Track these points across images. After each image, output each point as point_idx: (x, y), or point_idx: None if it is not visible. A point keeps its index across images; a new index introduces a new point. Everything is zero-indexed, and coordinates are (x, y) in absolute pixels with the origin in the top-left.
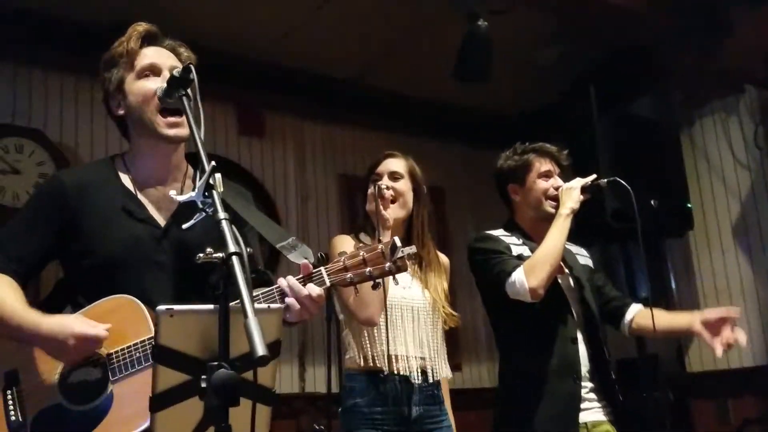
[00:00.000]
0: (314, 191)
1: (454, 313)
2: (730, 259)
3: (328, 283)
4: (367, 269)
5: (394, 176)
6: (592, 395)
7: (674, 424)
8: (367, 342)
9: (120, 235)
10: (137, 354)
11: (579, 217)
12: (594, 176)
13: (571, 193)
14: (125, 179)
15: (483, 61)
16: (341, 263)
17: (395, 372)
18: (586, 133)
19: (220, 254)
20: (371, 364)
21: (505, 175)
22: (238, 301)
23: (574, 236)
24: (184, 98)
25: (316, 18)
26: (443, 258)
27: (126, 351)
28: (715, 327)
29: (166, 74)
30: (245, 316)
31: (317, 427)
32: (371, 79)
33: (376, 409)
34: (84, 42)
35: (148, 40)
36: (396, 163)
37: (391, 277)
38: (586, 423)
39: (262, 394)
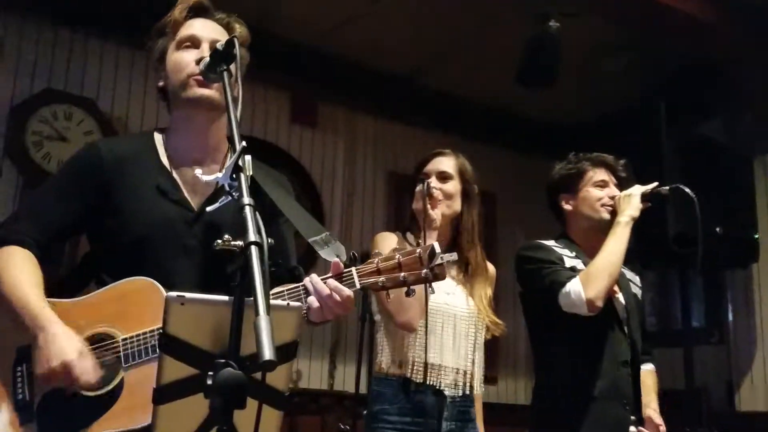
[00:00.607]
0: (362, 186)
1: (498, 321)
2: None
3: (358, 286)
4: (402, 274)
5: (443, 176)
6: (633, 428)
7: None
8: (403, 347)
9: (151, 215)
10: (152, 341)
11: (638, 237)
12: (656, 183)
13: (631, 200)
14: (163, 156)
15: (550, 65)
16: (374, 265)
17: (429, 382)
18: (651, 150)
19: (239, 242)
20: (404, 371)
21: (556, 185)
22: None
23: (631, 257)
24: (225, 74)
25: (374, 10)
26: (490, 266)
27: (141, 337)
28: None
29: (205, 47)
30: (256, 313)
31: (343, 427)
32: (427, 77)
33: (405, 419)
34: (142, 14)
35: (195, 11)
36: (446, 162)
37: (428, 286)
38: None
39: (271, 396)
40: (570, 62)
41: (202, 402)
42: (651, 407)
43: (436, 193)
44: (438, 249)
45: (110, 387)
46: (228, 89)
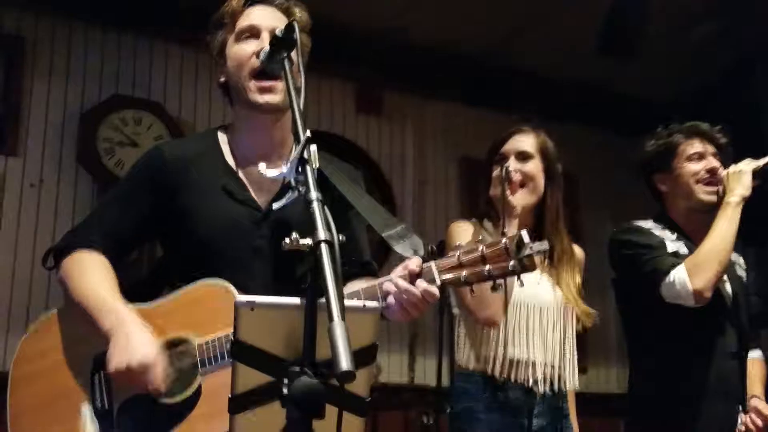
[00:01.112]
0: (433, 175)
1: (590, 310)
2: None
3: (438, 282)
4: (486, 267)
5: (523, 156)
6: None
7: None
8: (486, 342)
9: (218, 217)
10: (227, 346)
11: (748, 213)
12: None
13: (741, 177)
14: (227, 155)
15: (634, 30)
16: (455, 259)
17: (515, 379)
18: (751, 119)
19: (309, 241)
20: (487, 368)
21: (649, 163)
22: None
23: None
24: (286, 61)
25: None
26: (578, 250)
27: (216, 342)
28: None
29: (266, 36)
30: (330, 318)
31: (425, 421)
32: (498, 56)
33: (493, 416)
34: (204, 13)
35: (253, 0)
36: (525, 141)
37: (515, 278)
38: None
39: (351, 403)
40: (659, 32)
41: (280, 410)
42: (756, 396)
43: (516, 177)
44: (527, 238)
45: (188, 394)
46: (290, 78)
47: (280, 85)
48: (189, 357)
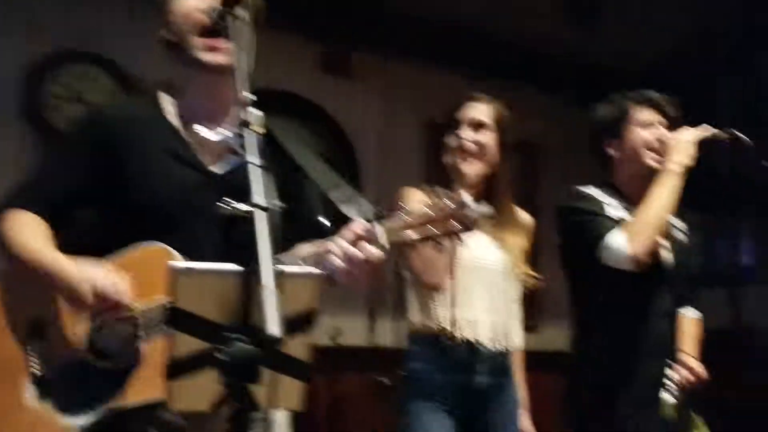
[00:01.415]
0: (398, 139)
1: (533, 273)
2: None
3: (385, 244)
4: (431, 228)
5: (476, 125)
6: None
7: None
8: (432, 304)
9: (163, 179)
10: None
11: (691, 178)
12: (712, 129)
13: (684, 146)
14: (171, 116)
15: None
16: (401, 221)
17: (461, 338)
18: (704, 86)
19: (244, 205)
20: (435, 328)
21: (599, 127)
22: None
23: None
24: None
25: None
26: (525, 217)
27: (158, 307)
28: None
29: None
30: (260, 285)
31: (384, 381)
32: (468, 20)
33: (438, 377)
34: None
35: None
36: (480, 109)
37: (459, 242)
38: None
39: (290, 367)
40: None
41: (217, 375)
42: (686, 351)
43: (468, 146)
44: (467, 200)
45: (128, 359)
46: (237, 36)
47: (227, 46)
48: (129, 323)
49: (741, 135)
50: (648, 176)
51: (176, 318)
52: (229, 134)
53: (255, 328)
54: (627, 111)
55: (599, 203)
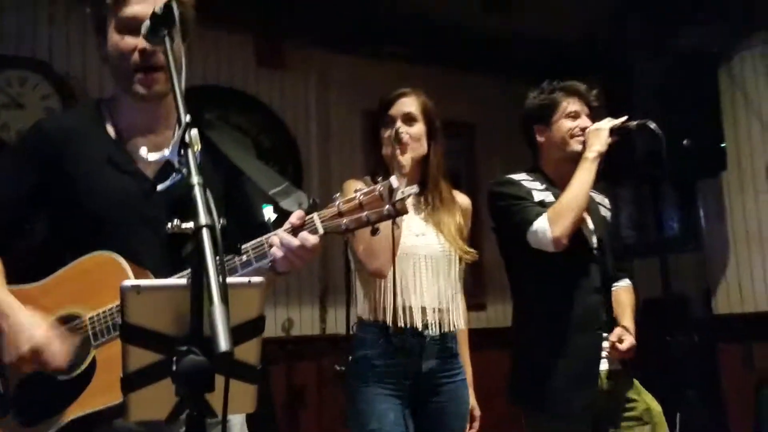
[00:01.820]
0: (337, 127)
1: (469, 249)
2: (764, 201)
3: (321, 231)
4: (364, 213)
5: (408, 118)
6: (606, 344)
7: (699, 367)
8: (377, 292)
9: (106, 189)
10: (118, 317)
11: (609, 158)
12: (625, 118)
13: (599, 135)
14: (110, 128)
15: None
16: (335, 208)
17: (406, 324)
18: (622, 66)
19: (191, 225)
20: (381, 316)
21: (530, 115)
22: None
23: (602, 177)
24: (166, 39)
25: None
26: (462, 198)
27: (107, 313)
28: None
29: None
30: (210, 302)
31: (338, 368)
32: (398, 5)
33: (386, 362)
34: None
35: None
36: (410, 103)
37: (393, 223)
38: (603, 371)
39: (242, 372)
40: None
41: (173, 386)
42: (622, 321)
43: (406, 138)
44: (396, 183)
45: (83, 367)
46: (170, 55)
47: (162, 76)
48: (81, 331)
49: (651, 124)
50: (572, 161)
51: (129, 333)
52: (167, 153)
53: (206, 340)
54: (556, 101)
55: (526, 189)
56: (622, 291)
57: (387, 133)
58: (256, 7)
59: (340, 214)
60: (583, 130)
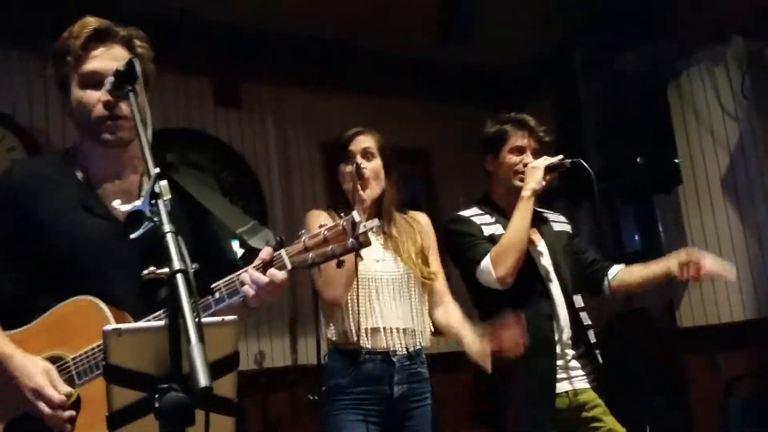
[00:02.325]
0: (297, 161)
1: (429, 270)
2: (720, 213)
3: (289, 266)
4: (329, 248)
5: (366, 154)
6: (575, 363)
7: (665, 379)
8: (343, 319)
9: (80, 232)
10: (100, 356)
11: (565, 176)
12: (560, 157)
13: (534, 173)
14: (79, 174)
15: (467, 18)
16: (302, 244)
17: (374, 349)
18: (571, 89)
19: (166, 270)
20: (348, 342)
21: (483, 143)
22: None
23: (561, 195)
24: (131, 95)
25: None
26: (420, 217)
27: (89, 354)
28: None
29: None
30: (188, 342)
31: (311, 398)
32: (351, 40)
33: (358, 389)
34: (48, 18)
35: (97, 37)
36: (367, 140)
37: (355, 255)
38: (567, 392)
39: (220, 406)
40: (493, 7)
41: (155, 421)
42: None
43: (367, 174)
44: (358, 218)
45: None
46: (135, 108)
47: (126, 123)
48: (65, 372)
49: (582, 162)
50: (516, 192)
51: (112, 374)
52: (138, 204)
53: (185, 377)
54: (505, 133)
55: (477, 225)
56: (627, 270)
57: (348, 169)
58: (211, 50)
59: (307, 249)
60: (525, 165)
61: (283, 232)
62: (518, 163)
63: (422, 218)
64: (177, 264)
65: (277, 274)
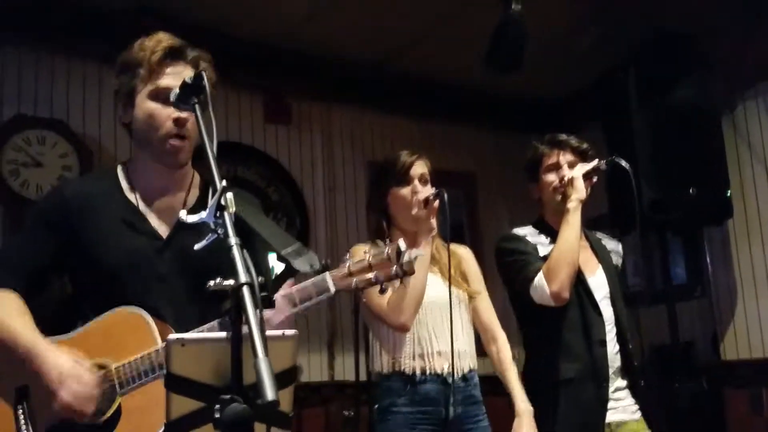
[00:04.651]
0: (342, 180)
1: (472, 286)
2: None
3: (332, 290)
4: (373, 274)
5: (424, 180)
6: (620, 394)
7: (707, 413)
8: (399, 346)
9: (121, 247)
10: (143, 367)
11: (614, 204)
12: (595, 161)
13: (575, 184)
14: (128, 190)
15: (516, 50)
16: (346, 268)
17: (430, 372)
18: (623, 120)
19: (231, 282)
20: (403, 368)
21: (526, 172)
22: None
23: (610, 224)
24: (197, 107)
25: (341, 1)
26: (461, 250)
27: (132, 364)
28: None
29: None
30: (255, 355)
31: (347, 414)
32: (400, 63)
33: (414, 409)
34: (106, 28)
35: (171, 55)
36: (424, 166)
37: (401, 282)
38: (609, 423)
39: (277, 419)
40: (542, 38)
41: (210, 429)
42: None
43: (436, 204)
44: (404, 246)
45: (108, 414)
46: (200, 120)
47: (188, 145)
48: (108, 380)
49: (620, 160)
50: (561, 212)
51: (173, 382)
52: (204, 216)
53: (246, 389)
54: (538, 156)
55: (532, 244)
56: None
57: (409, 193)
58: (263, 66)
59: (351, 274)
60: (561, 180)
61: (325, 248)
62: (554, 180)
63: (463, 251)
64: (243, 276)
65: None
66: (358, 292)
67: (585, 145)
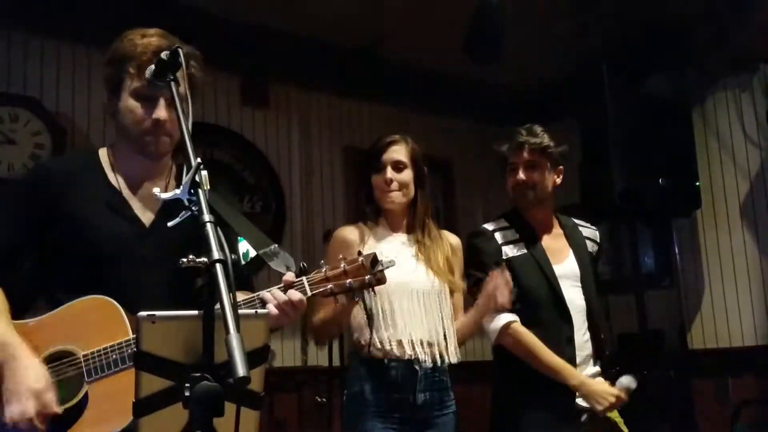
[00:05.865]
0: (319, 164)
1: (454, 280)
2: (737, 238)
3: (309, 293)
4: (348, 281)
5: (398, 166)
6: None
7: (675, 401)
8: (369, 329)
9: (103, 231)
10: (113, 356)
11: (586, 194)
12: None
13: (596, 398)
14: (110, 175)
15: (494, 41)
16: (323, 274)
17: (399, 358)
18: (596, 110)
19: (204, 260)
20: (374, 351)
21: (498, 164)
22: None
23: (582, 214)
24: (172, 83)
25: None
26: (452, 238)
27: (102, 353)
28: None
29: (162, 103)
30: (227, 331)
31: (319, 400)
32: (379, 49)
33: (380, 395)
34: (81, 6)
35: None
36: (400, 151)
37: (371, 290)
38: (586, 408)
39: (248, 398)
40: (520, 27)
41: (180, 411)
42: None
43: (395, 186)
44: (379, 257)
45: (75, 401)
46: (176, 96)
47: (168, 140)
48: (74, 367)
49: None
50: (525, 208)
51: (143, 360)
52: (179, 192)
53: (217, 367)
54: (504, 155)
55: (496, 245)
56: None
57: (377, 180)
58: (242, 49)
59: (327, 280)
60: (518, 182)
61: (300, 233)
62: (512, 181)
63: (454, 239)
64: (216, 253)
65: (295, 294)
66: (332, 297)
67: (545, 142)
